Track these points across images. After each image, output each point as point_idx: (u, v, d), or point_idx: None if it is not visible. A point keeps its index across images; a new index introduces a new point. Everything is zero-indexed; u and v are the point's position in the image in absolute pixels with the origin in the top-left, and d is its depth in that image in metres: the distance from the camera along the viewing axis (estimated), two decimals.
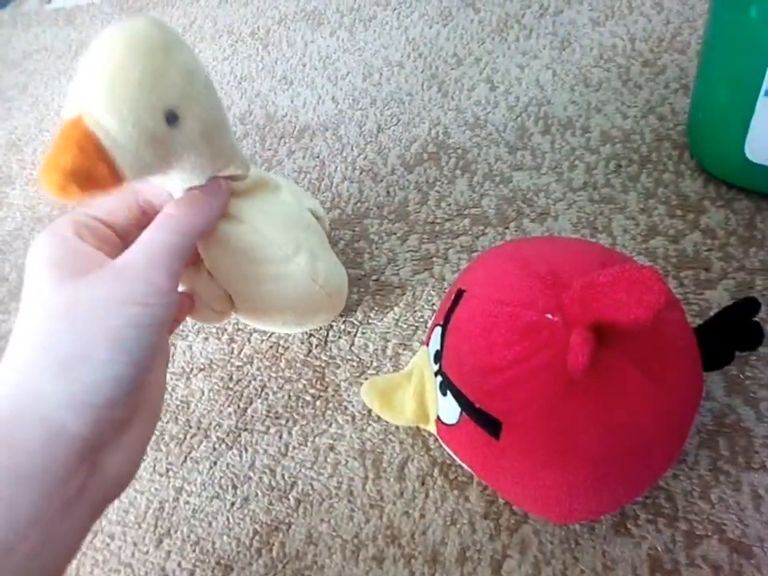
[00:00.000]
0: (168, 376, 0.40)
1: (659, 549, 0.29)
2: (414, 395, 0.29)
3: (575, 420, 0.23)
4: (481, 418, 0.25)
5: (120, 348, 0.23)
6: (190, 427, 0.40)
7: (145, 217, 0.29)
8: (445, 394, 0.27)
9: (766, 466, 0.30)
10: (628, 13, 0.55)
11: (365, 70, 0.61)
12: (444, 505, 0.32)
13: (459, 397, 0.26)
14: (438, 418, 0.28)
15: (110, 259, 0.25)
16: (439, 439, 0.30)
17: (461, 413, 0.26)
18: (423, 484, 0.33)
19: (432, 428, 0.29)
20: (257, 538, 0.34)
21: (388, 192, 0.49)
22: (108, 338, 0.23)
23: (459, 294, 0.28)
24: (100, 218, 0.28)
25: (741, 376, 0.33)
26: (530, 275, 0.26)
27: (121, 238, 0.28)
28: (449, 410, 0.27)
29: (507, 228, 0.44)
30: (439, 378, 0.27)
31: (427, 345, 0.30)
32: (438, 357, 0.28)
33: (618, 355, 0.23)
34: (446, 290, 0.41)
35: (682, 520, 0.29)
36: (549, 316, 0.24)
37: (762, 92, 0.33)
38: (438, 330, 0.28)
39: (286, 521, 0.34)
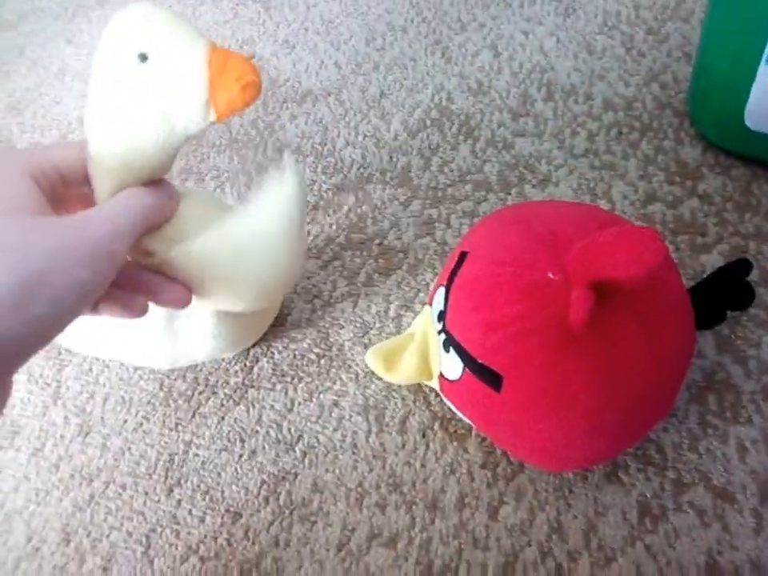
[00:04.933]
0: None
1: (648, 496, 0.31)
2: (417, 353, 0.30)
3: (574, 374, 0.24)
4: (483, 372, 0.26)
5: (54, 310, 0.22)
6: (198, 384, 0.41)
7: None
8: (448, 351, 0.28)
9: (752, 420, 0.31)
10: None
11: (368, 34, 0.60)
12: (444, 455, 0.34)
13: (462, 353, 0.27)
14: (441, 374, 0.29)
15: (55, 216, 0.24)
16: (441, 394, 0.31)
17: (463, 368, 0.27)
18: (424, 436, 0.35)
19: (435, 384, 0.30)
20: (264, 487, 0.36)
21: (391, 158, 0.49)
22: (47, 294, 0.21)
23: (462, 255, 0.29)
24: (57, 166, 0.26)
25: (732, 336, 0.34)
26: (532, 236, 0.26)
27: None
28: (452, 366, 0.28)
29: (509, 194, 0.44)
30: (443, 336, 0.29)
31: (430, 305, 0.31)
32: (441, 316, 0.29)
33: (617, 310, 0.24)
34: (448, 254, 0.42)
35: (670, 469, 0.31)
36: (550, 275, 0.25)
37: (763, 60, 0.34)
38: (442, 290, 0.29)
39: (293, 471, 0.36)
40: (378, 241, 0.44)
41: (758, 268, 0.36)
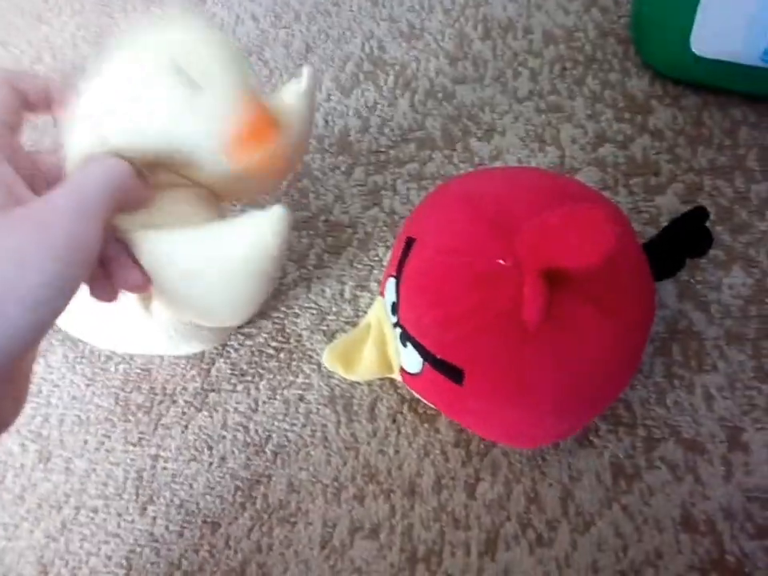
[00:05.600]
0: None
1: (620, 456, 0.31)
2: (375, 348, 0.28)
3: (535, 363, 0.23)
4: (443, 367, 0.25)
5: (30, 308, 0.20)
6: (156, 394, 0.39)
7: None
8: (405, 345, 0.27)
9: (717, 366, 0.31)
10: None
11: None
12: (416, 439, 0.33)
13: (420, 348, 0.26)
14: (402, 367, 0.28)
15: (29, 192, 0.22)
16: (405, 384, 0.30)
17: (423, 362, 0.26)
18: (394, 422, 0.34)
19: (397, 376, 0.29)
20: (239, 493, 0.35)
21: (326, 121, 0.46)
22: (19, 295, 0.20)
23: (409, 242, 0.27)
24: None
25: (691, 280, 0.34)
26: (480, 219, 0.25)
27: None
28: (411, 360, 0.27)
29: (454, 150, 0.42)
30: (398, 330, 0.27)
31: (382, 295, 0.29)
32: (394, 308, 0.27)
33: (572, 296, 0.23)
34: (398, 225, 0.40)
35: (640, 427, 0.31)
36: (501, 261, 0.23)
37: None
38: (392, 281, 0.27)
39: (266, 473, 0.35)
40: (323, 217, 0.42)
41: (714, 205, 0.35)
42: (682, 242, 0.30)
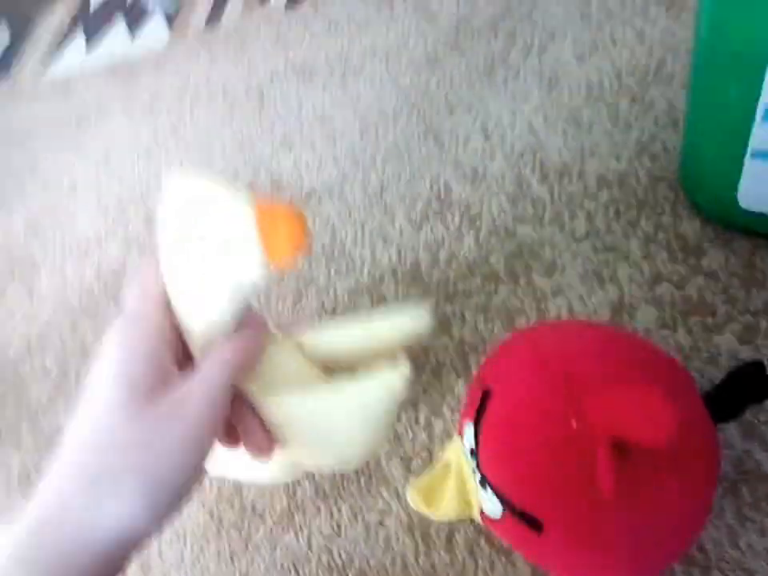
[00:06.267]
0: None
1: None
2: (455, 490, 0.31)
3: (611, 521, 0.25)
4: (522, 517, 0.27)
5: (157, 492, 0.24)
6: (245, 511, 0.42)
7: None
8: (485, 490, 0.29)
9: None
10: (611, 45, 0.57)
11: (361, 125, 0.63)
12: (494, 573, 0.35)
13: (500, 496, 0.28)
14: (482, 510, 0.31)
15: (177, 376, 0.27)
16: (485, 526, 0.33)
17: (503, 509, 0.29)
18: (471, 553, 0.36)
19: (477, 517, 0.32)
20: None
21: (399, 254, 0.51)
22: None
23: (485, 394, 0.30)
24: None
25: (756, 421, 0.35)
26: (550, 379, 0.28)
27: None
28: (491, 505, 0.29)
29: (518, 284, 0.46)
30: (479, 475, 0.30)
31: (460, 433, 0.32)
32: (473, 453, 0.30)
33: (643, 463, 0.25)
34: (467, 354, 0.44)
35: (715, 569, 0.32)
36: (573, 423, 0.26)
37: (749, 154, 0.35)
38: (470, 427, 0.31)
39: None
40: None
41: None
42: (743, 390, 0.32)
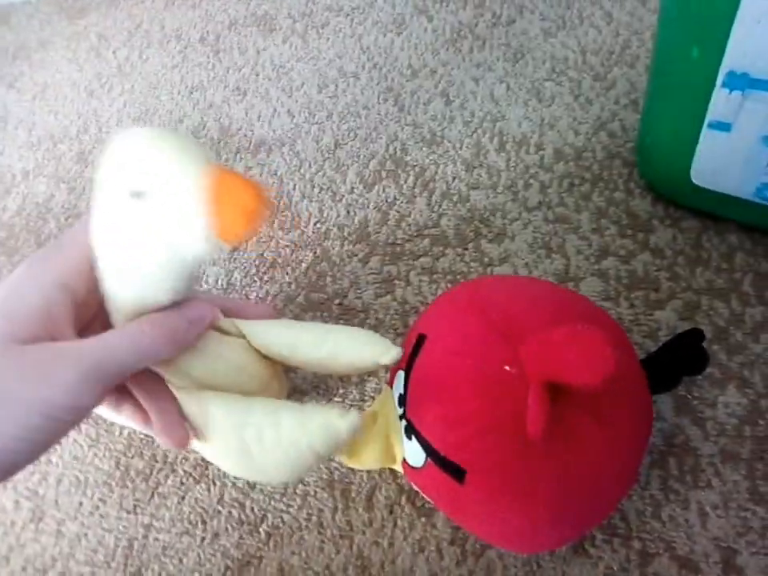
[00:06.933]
0: None
1: (615, 568, 0.31)
2: (380, 438, 0.29)
3: (535, 470, 0.24)
4: (445, 464, 0.26)
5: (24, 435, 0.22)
6: (156, 461, 0.39)
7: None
8: (410, 438, 0.28)
9: (712, 483, 0.32)
10: (579, 23, 0.56)
11: (320, 80, 0.60)
12: (412, 532, 0.33)
13: (424, 443, 0.27)
14: (404, 459, 0.29)
15: (71, 331, 0.25)
16: (406, 477, 0.31)
17: (426, 458, 0.27)
18: (391, 512, 0.34)
19: (399, 468, 0.30)
20: (228, 573, 0.35)
21: (348, 211, 0.49)
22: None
23: (420, 339, 0.28)
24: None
25: (689, 396, 0.35)
26: (489, 325, 0.26)
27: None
28: (414, 453, 0.28)
29: (466, 249, 0.44)
30: (404, 423, 0.28)
31: (390, 385, 0.31)
32: (401, 401, 0.29)
33: (573, 408, 0.24)
34: (408, 314, 0.42)
35: (635, 539, 0.31)
36: (507, 368, 0.25)
37: (705, 124, 0.35)
38: (401, 374, 0.29)
39: (257, 554, 0.35)
40: (338, 300, 0.44)
41: (710, 324, 0.37)
42: (679, 360, 0.32)
